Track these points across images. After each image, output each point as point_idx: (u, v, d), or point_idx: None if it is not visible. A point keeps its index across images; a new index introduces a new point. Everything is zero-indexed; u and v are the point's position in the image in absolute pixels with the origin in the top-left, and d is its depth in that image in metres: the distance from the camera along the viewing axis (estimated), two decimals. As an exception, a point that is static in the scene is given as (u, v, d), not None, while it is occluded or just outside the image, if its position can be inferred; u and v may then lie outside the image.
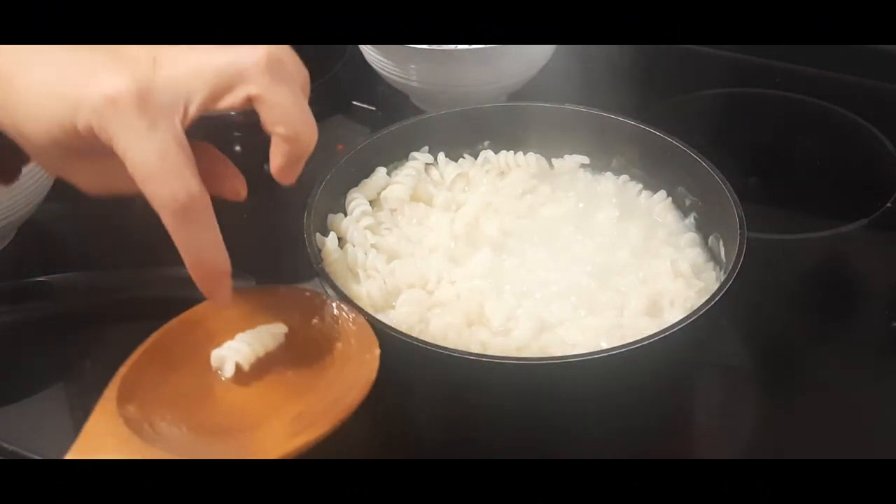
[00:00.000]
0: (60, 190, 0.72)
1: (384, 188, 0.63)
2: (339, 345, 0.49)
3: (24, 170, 0.65)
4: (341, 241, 0.59)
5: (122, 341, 0.48)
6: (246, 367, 0.46)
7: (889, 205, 0.73)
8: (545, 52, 0.81)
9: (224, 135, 0.89)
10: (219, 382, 0.46)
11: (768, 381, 0.61)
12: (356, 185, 0.63)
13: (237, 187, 0.46)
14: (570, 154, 0.65)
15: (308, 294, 0.51)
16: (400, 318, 0.55)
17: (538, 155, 0.65)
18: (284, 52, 0.45)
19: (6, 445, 0.57)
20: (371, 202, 0.63)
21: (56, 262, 0.69)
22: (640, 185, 0.64)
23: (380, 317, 0.53)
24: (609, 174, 0.65)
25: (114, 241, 0.75)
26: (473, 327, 0.54)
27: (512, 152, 0.65)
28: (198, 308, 0.48)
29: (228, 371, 0.46)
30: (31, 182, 0.67)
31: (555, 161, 0.66)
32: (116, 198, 0.45)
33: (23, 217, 0.69)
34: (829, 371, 0.62)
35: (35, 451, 0.57)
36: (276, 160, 0.45)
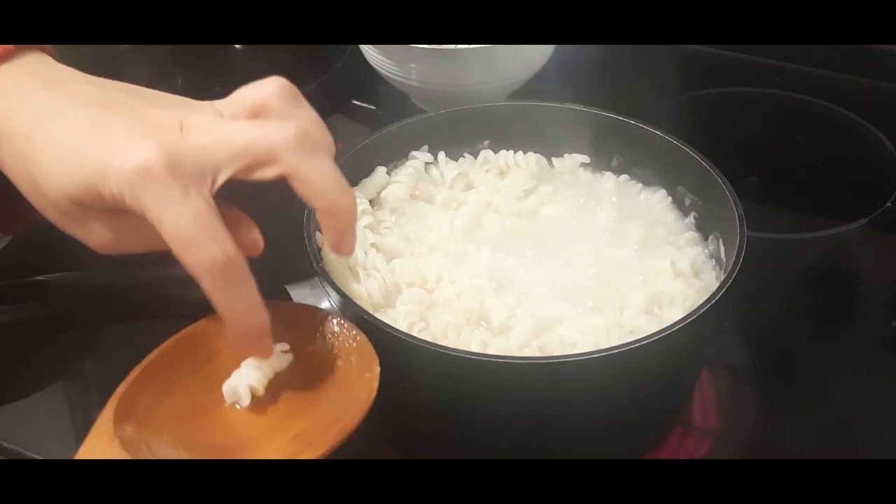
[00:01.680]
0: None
1: (384, 187, 0.63)
2: (339, 362, 0.48)
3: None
4: (341, 240, 0.59)
5: (121, 341, 0.48)
6: (261, 391, 0.46)
7: (889, 204, 0.73)
8: (545, 52, 0.81)
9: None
10: (218, 401, 0.46)
11: (768, 380, 0.61)
12: (356, 184, 0.63)
13: (256, 239, 0.45)
14: (571, 153, 0.65)
15: (309, 310, 0.51)
16: (400, 317, 0.55)
17: (538, 154, 0.65)
18: (310, 121, 0.45)
19: (5, 445, 0.57)
20: (371, 201, 0.63)
21: (54, 262, 0.69)
22: (640, 185, 0.64)
23: (380, 316, 0.53)
24: (609, 173, 0.65)
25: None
26: (473, 327, 0.54)
27: (512, 151, 0.65)
28: (197, 325, 0.48)
29: (245, 400, 0.45)
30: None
31: (555, 160, 0.66)
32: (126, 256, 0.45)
33: (22, 216, 0.69)
34: (829, 371, 0.62)
35: (33, 451, 0.57)
36: (328, 237, 0.46)
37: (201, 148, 0.42)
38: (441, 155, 0.65)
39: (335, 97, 0.91)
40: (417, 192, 0.63)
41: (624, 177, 0.64)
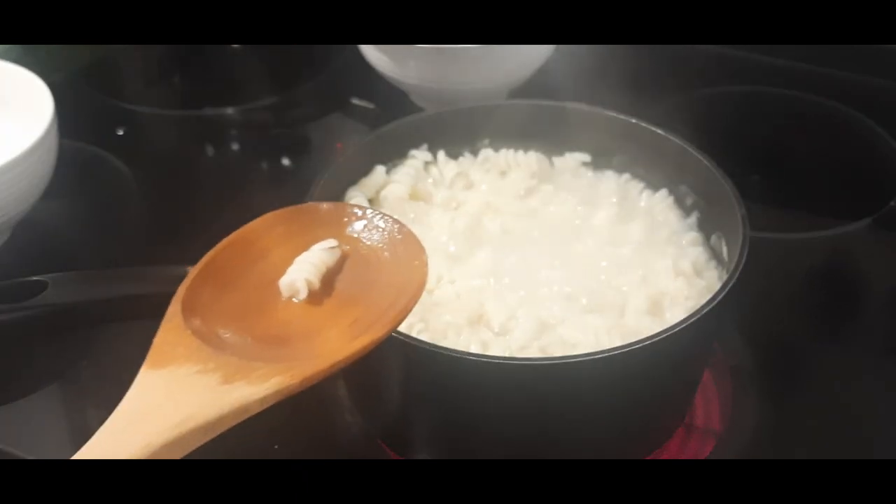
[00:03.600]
0: (56, 188, 0.72)
1: (383, 186, 0.63)
2: (386, 254, 0.49)
3: (19, 167, 0.65)
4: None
5: (119, 340, 0.47)
6: (317, 284, 0.47)
7: (893, 203, 0.73)
8: (545, 51, 0.80)
9: (224, 134, 0.89)
10: (274, 298, 0.47)
11: (771, 381, 0.61)
12: (355, 183, 0.62)
13: None
14: (571, 152, 0.65)
15: (352, 209, 0.51)
16: (399, 317, 0.54)
17: (539, 153, 0.65)
18: None
19: (1, 446, 0.57)
20: (370, 200, 0.62)
21: (52, 261, 0.69)
22: (642, 184, 0.64)
23: (379, 316, 0.52)
24: (610, 173, 0.65)
25: (110, 239, 0.75)
26: (473, 327, 0.54)
27: (512, 150, 0.65)
28: (245, 229, 0.49)
29: (303, 293, 0.46)
30: (27, 180, 0.67)
31: (556, 159, 0.66)
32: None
33: (18, 215, 0.69)
34: (832, 371, 0.62)
35: (30, 451, 0.57)
36: None
37: None
38: (441, 154, 0.65)
39: (334, 96, 0.91)
40: (417, 191, 0.63)
41: (625, 176, 0.64)
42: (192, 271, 0.47)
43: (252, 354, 0.43)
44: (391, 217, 0.50)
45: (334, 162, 0.61)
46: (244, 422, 0.59)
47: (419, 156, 0.65)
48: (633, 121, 0.63)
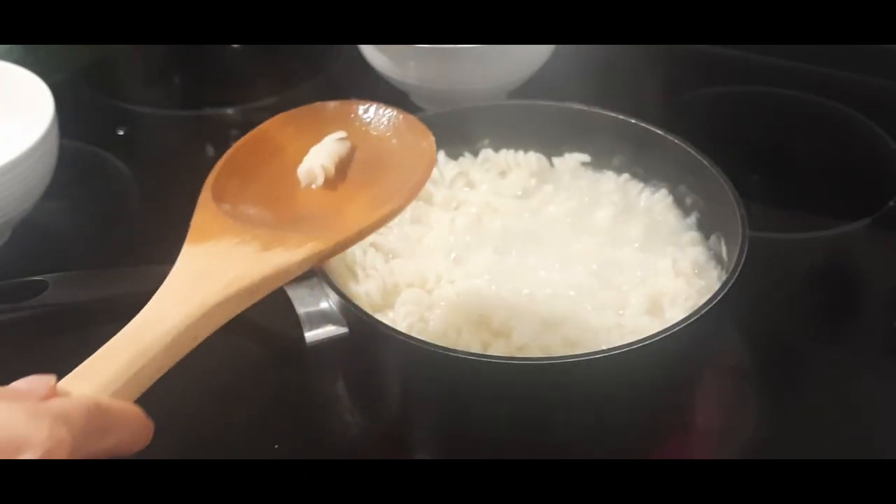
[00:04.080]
0: (57, 188, 0.72)
1: (383, 187, 0.63)
2: (394, 141, 0.52)
3: (20, 168, 0.65)
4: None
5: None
6: (332, 170, 0.50)
7: (892, 203, 0.73)
8: (545, 51, 0.80)
9: (224, 134, 0.89)
10: (294, 187, 0.50)
11: (769, 380, 0.61)
12: (355, 183, 0.62)
13: None
14: (571, 152, 0.65)
15: (357, 104, 0.54)
16: (399, 317, 0.54)
17: (539, 153, 0.65)
18: None
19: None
20: (370, 201, 0.62)
21: (53, 261, 0.68)
22: (642, 184, 0.64)
23: (379, 316, 0.52)
24: (610, 173, 0.65)
25: (110, 239, 0.75)
26: (473, 327, 0.54)
27: (512, 151, 0.65)
28: (258, 129, 0.53)
29: (321, 178, 0.50)
30: (27, 180, 0.67)
31: (555, 160, 0.66)
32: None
33: (19, 215, 0.69)
34: (830, 371, 0.62)
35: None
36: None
37: None
38: (441, 154, 0.65)
39: (334, 96, 0.90)
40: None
41: (625, 176, 0.64)
42: (217, 166, 0.50)
43: (284, 228, 0.46)
44: (395, 108, 0.53)
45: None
46: (244, 422, 0.59)
47: (419, 156, 0.64)
48: (633, 121, 0.63)
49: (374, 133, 0.53)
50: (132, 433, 0.39)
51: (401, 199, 0.48)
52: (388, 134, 0.52)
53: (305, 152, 0.51)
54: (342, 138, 0.52)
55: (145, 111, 0.90)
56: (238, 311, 0.43)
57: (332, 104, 0.55)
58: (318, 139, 0.52)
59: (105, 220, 0.77)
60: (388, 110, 0.53)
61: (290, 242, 0.44)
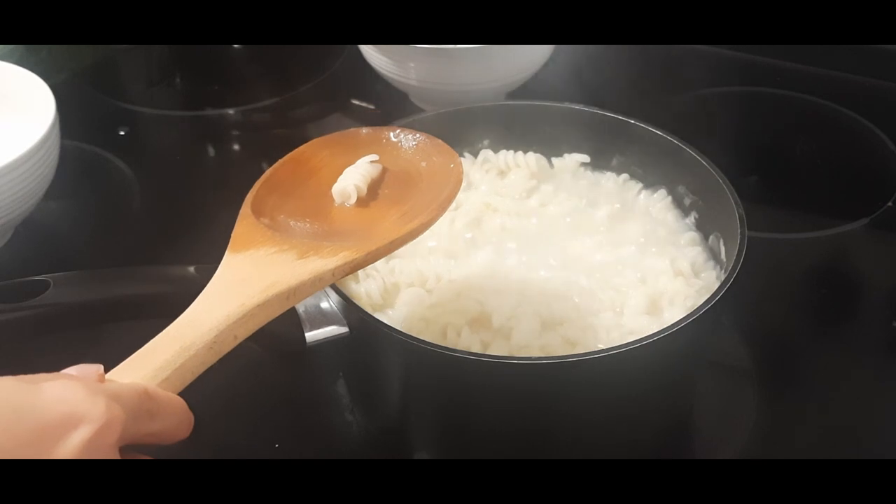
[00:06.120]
0: (58, 188, 0.72)
1: (384, 187, 0.63)
2: (423, 163, 0.55)
3: (21, 168, 0.65)
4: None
5: (122, 340, 0.47)
6: (365, 189, 0.53)
7: (890, 204, 0.73)
8: (545, 52, 0.80)
9: (224, 134, 0.89)
10: (329, 204, 0.53)
11: (768, 380, 0.61)
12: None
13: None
14: (570, 153, 0.65)
15: (388, 130, 0.57)
16: (399, 317, 0.55)
17: (538, 154, 0.65)
18: None
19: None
20: (370, 201, 0.62)
21: (54, 261, 0.69)
22: (641, 184, 0.64)
23: (379, 316, 0.52)
24: (609, 173, 0.65)
25: (112, 239, 0.75)
26: (473, 327, 0.54)
27: (512, 151, 0.65)
28: (296, 151, 0.55)
29: (354, 197, 0.53)
30: (29, 181, 0.67)
31: (555, 160, 0.66)
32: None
33: (21, 216, 0.69)
34: (829, 371, 0.62)
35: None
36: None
37: None
38: (441, 154, 0.65)
39: (334, 96, 0.91)
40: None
41: (624, 176, 0.64)
42: (257, 184, 0.53)
43: (320, 238, 0.49)
44: (423, 133, 0.56)
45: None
46: (244, 421, 0.59)
47: (419, 156, 0.65)
48: (632, 121, 0.63)
49: (404, 156, 0.56)
50: (177, 421, 0.41)
51: (430, 214, 0.50)
52: (417, 157, 0.55)
53: (339, 173, 0.54)
54: (374, 161, 0.54)
55: (146, 111, 0.90)
56: (275, 314, 0.45)
57: (364, 130, 0.58)
58: (351, 161, 0.54)
59: (106, 220, 0.77)
60: (417, 135, 0.56)
61: (325, 251, 0.47)
